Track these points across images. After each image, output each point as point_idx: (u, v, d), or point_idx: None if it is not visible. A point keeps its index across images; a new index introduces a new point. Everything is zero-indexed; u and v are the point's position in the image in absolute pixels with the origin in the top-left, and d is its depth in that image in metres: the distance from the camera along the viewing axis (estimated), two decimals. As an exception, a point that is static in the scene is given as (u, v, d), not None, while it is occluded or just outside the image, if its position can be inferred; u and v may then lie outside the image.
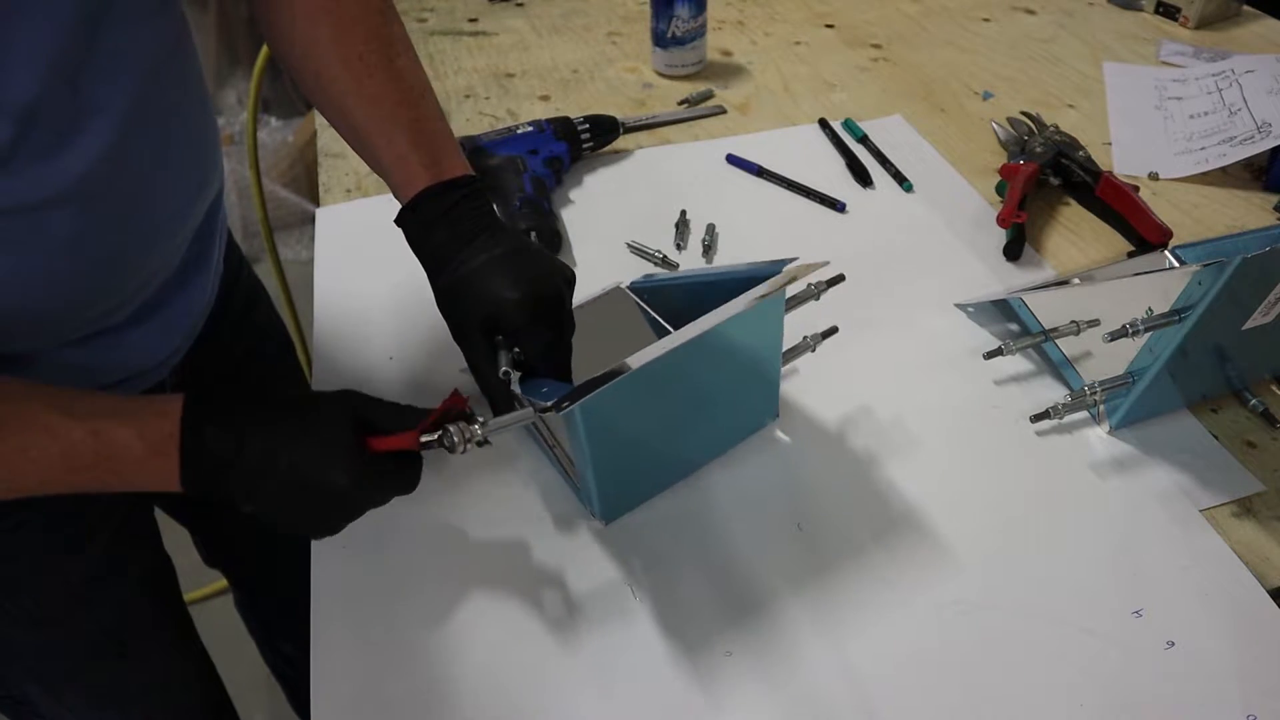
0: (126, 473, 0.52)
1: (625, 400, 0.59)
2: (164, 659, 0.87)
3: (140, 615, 0.82)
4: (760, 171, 1.00)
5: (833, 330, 0.74)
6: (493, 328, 0.60)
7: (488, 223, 0.62)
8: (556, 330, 0.61)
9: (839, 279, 0.72)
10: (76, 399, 0.53)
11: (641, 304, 0.79)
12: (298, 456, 0.53)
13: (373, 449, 0.55)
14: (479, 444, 0.57)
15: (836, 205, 0.95)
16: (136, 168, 0.59)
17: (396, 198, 0.63)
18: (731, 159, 1.02)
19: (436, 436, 0.56)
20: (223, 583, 1.52)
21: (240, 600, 1.16)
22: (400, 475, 0.57)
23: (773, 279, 0.62)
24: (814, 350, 0.73)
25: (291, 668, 1.18)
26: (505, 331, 0.60)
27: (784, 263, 0.64)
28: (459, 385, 0.60)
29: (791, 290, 0.66)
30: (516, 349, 0.61)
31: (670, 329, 0.75)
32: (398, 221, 0.63)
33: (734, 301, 0.60)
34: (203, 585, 1.49)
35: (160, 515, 0.88)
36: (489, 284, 0.59)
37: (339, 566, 0.64)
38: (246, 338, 0.88)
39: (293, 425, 0.54)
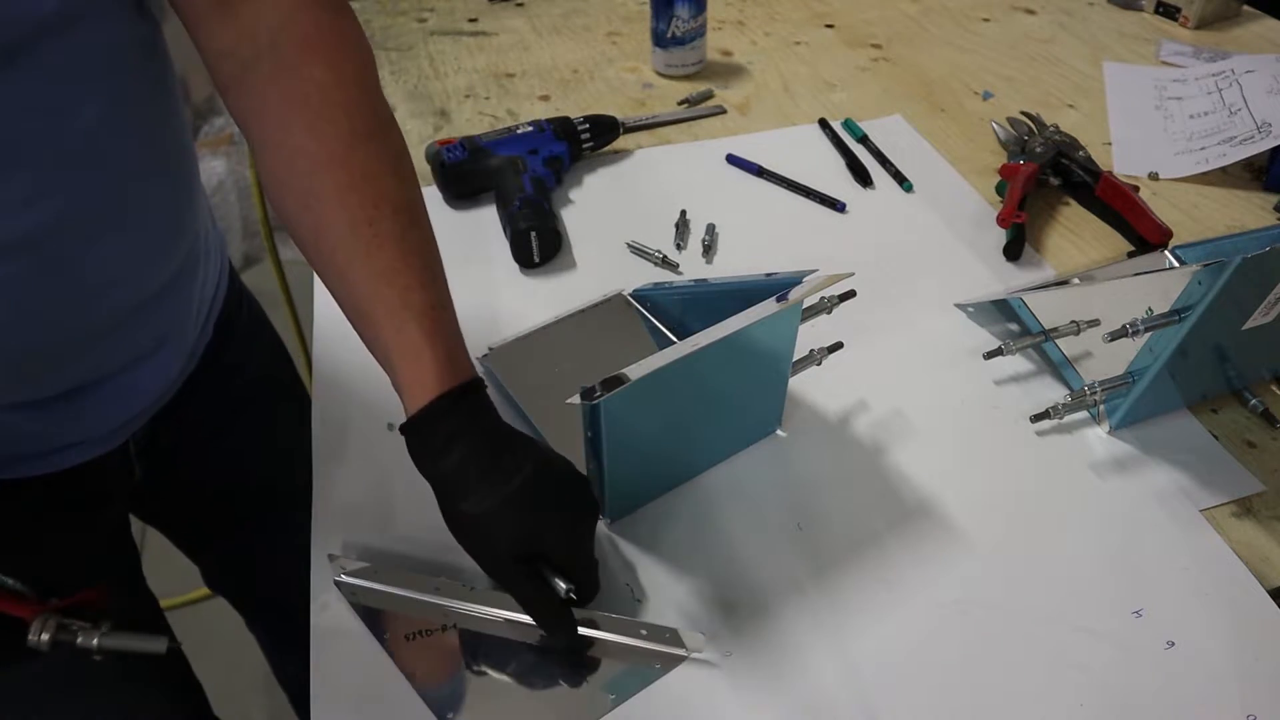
0: None
1: (645, 399, 0.59)
2: (143, 700, 0.83)
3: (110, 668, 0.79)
4: (760, 171, 1.00)
5: (838, 345, 0.74)
6: (533, 558, 0.56)
7: (505, 436, 0.57)
8: (590, 547, 0.59)
9: (850, 294, 0.72)
10: None
11: (643, 311, 0.79)
12: None
13: None
14: (94, 656, 0.53)
15: (836, 205, 0.95)
16: (91, 223, 0.55)
17: (396, 388, 0.56)
18: (731, 159, 1.02)
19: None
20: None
21: (247, 622, 1.16)
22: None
23: (801, 287, 0.62)
24: (820, 364, 0.73)
25: (298, 685, 1.18)
26: (547, 559, 0.56)
27: (805, 274, 0.64)
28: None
29: (806, 302, 0.66)
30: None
31: (673, 338, 0.75)
32: (403, 429, 0.55)
33: (757, 307, 0.60)
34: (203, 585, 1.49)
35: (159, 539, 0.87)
36: (523, 518, 0.54)
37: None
38: (223, 406, 0.84)
39: None
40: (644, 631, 0.59)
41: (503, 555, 0.55)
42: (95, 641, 0.52)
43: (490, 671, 0.59)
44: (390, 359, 0.55)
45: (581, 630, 0.59)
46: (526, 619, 0.58)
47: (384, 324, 0.55)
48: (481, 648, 0.60)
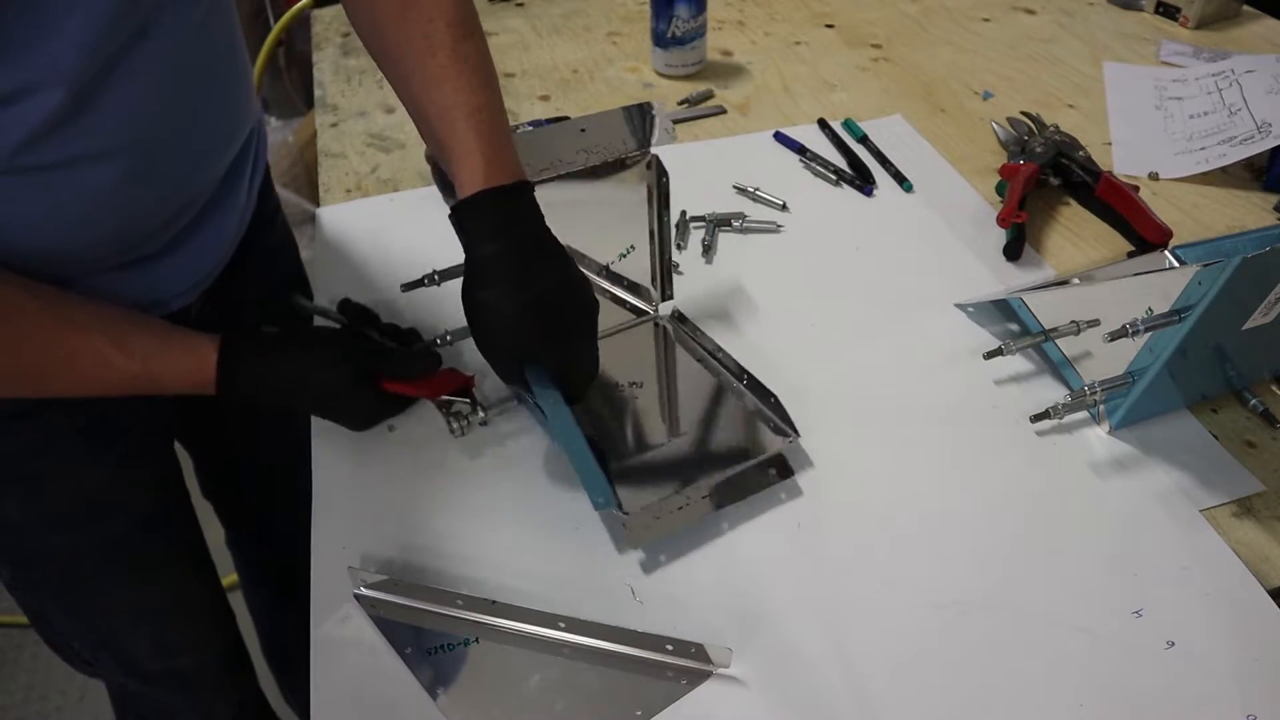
0: (169, 393, 0.64)
1: None
2: (177, 584, 0.88)
3: (154, 537, 0.83)
4: (803, 150, 1.00)
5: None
6: (520, 362, 0.64)
7: (539, 243, 0.62)
8: (584, 367, 0.66)
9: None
10: (130, 333, 0.61)
11: None
12: (317, 396, 0.67)
13: (384, 387, 0.68)
14: (481, 424, 0.71)
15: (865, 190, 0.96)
16: (175, 123, 0.61)
17: (454, 182, 0.63)
18: (779, 136, 1.02)
19: (446, 404, 0.71)
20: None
21: (231, 539, 1.16)
22: (397, 406, 0.71)
23: None
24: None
25: (286, 655, 1.18)
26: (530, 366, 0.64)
27: None
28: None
29: None
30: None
31: None
32: (451, 213, 0.63)
33: None
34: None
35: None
36: (515, 335, 0.61)
37: (339, 563, 0.64)
38: (271, 275, 0.90)
39: (315, 370, 0.66)
40: (670, 647, 0.58)
41: (500, 353, 0.63)
42: (484, 415, 0.71)
43: (515, 687, 0.58)
44: (446, 155, 0.63)
45: (607, 646, 0.59)
46: (553, 633, 0.59)
47: (437, 123, 0.63)
48: (506, 662, 0.59)
